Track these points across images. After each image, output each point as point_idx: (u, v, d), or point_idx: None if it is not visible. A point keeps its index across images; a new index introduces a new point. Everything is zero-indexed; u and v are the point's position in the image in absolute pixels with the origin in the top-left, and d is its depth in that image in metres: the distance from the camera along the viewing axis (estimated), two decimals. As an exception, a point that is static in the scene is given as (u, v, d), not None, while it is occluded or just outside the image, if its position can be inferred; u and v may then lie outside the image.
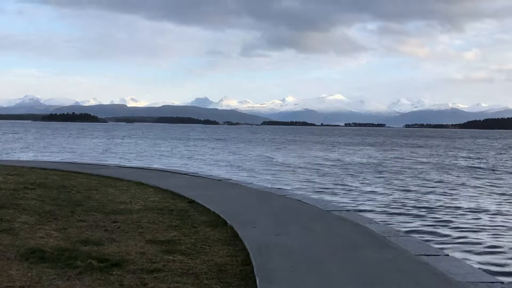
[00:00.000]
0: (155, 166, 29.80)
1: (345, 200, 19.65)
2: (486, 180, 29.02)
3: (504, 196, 22.00)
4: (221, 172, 29.13)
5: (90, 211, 10.83)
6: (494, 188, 25.26)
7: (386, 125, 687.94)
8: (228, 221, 9.95)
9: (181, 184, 15.62)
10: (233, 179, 20.57)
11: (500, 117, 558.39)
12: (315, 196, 19.01)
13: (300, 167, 34.86)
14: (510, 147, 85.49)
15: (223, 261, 7.33)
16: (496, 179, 30.17)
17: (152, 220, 10.17)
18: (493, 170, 36.78)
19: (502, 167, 39.90)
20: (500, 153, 63.02)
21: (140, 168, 23.04)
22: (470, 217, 16.56)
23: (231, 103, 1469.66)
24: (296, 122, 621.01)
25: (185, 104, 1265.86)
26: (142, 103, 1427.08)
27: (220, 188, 15.42)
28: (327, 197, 19.88)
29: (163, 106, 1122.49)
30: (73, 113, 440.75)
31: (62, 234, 8.63)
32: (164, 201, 12.54)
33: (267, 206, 12.05)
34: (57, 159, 34.53)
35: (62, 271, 6.62)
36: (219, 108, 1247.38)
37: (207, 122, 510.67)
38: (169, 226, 9.64)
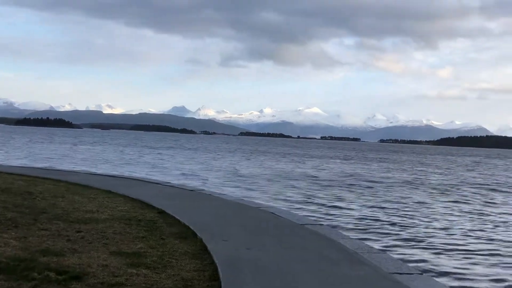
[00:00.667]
0: (126, 174, 29.21)
1: (317, 214, 19.46)
2: (456, 197, 29.25)
3: (472, 214, 22.10)
4: (192, 182, 28.72)
5: (54, 219, 10.38)
6: (463, 205, 25.42)
7: (362, 140, 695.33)
8: (198, 233, 9.62)
9: (151, 194, 15.21)
10: (206, 189, 20.22)
11: (473, 135, 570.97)
12: (287, 209, 18.75)
13: (271, 180, 34.62)
14: (478, 164, 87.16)
15: (189, 276, 7.00)
16: (465, 196, 30.46)
17: (119, 230, 9.77)
18: (462, 187, 37.13)
19: (470, 184, 40.39)
20: (469, 170, 64.11)
21: (111, 176, 22.50)
22: (442, 234, 16.53)
23: (209, 112, 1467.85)
24: (273, 133, 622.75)
25: (162, 112, 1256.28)
26: (118, 110, 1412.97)
27: (192, 198, 15.07)
28: (300, 211, 19.64)
29: (139, 113, 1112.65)
30: (48, 118, 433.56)
31: (21, 243, 8.18)
32: (132, 211, 12.13)
33: (240, 218, 11.76)
34: (24, 164, 33.57)
35: (16, 283, 6.21)
36: (197, 117, 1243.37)
37: (184, 131, 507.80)
38: (136, 238, 9.26)
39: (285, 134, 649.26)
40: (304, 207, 21.43)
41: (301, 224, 11.47)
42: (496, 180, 47.09)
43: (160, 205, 12.81)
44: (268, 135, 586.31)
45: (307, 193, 27.08)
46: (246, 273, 7.09)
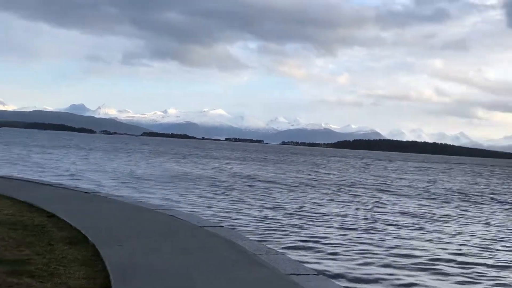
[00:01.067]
0: (14, 174, 27.28)
1: (217, 215, 19.40)
2: (349, 197, 30.60)
3: (365, 214, 23.16)
4: (86, 184, 27.49)
5: None
6: (356, 205, 26.60)
7: (265, 141, 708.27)
8: (90, 238, 9.10)
9: (42, 196, 14.26)
10: (101, 191, 19.39)
11: (367, 139, 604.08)
12: (187, 211, 18.48)
13: (170, 181, 34.09)
14: (369, 166, 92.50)
15: (78, 285, 6.56)
16: (358, 195, 31.99)
17: (1, 236, 9.00)
18: (354, 188, 38.93)
19: (361, 185, 42.50)
20: (360, 171, 67.65)
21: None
22: (338, 235, 17.09)
23: (110, 111, 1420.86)
24: (177, 134, 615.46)
25: (59, 110, 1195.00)
26: (10, 106, 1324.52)
27: (86, 201, 14.32)
28: (199, 212, 19.46)
29: (34, 111, 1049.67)
30: None
31: None
32: (19, 215, 11.27)
33: (137, 222, 11.33)
34: None
35: None
36: (96, 116, 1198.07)
37: (82, 130, 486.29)
38: (21, 243, 8.57)
39: (190, 135, 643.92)
40: (204, 208, 21.28)
41: (201, 226, 11.28)
42: (384, 181, 49.94)
43: (51, 209, 12.02)
44: (172, 135, 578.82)
45: (207, 195, 26.96)
46: (141, 280, 6.79)
